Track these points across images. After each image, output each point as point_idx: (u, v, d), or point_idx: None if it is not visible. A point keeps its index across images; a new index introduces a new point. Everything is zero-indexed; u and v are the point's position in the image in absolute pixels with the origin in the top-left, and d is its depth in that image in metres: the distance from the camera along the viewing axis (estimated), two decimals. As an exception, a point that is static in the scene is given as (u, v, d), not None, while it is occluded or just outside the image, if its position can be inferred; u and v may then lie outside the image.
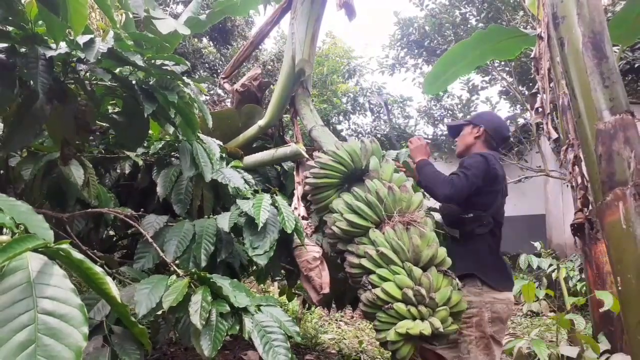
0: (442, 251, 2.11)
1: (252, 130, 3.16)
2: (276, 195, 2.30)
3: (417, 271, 1.98)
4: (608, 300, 1.98)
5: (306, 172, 2.44)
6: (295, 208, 2.56)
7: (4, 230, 1.00)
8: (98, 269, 0.94)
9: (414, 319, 1.90)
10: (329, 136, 2.65)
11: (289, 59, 2.86)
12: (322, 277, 2.24)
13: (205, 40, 10.66)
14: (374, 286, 2.00)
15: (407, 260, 2.02)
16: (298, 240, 2.23)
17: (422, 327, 1.85)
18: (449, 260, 2.11)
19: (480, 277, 2.23)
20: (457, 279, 2.09)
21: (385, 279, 1.99)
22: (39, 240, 0.89)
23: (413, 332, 1.84)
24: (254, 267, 2.98)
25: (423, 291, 1.92)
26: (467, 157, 2.39)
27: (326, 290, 2.22)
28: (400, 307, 1.92)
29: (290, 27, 2.93)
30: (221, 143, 2.56)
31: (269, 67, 10.81)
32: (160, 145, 2.54)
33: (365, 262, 2.05)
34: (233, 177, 2.30)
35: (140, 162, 2.50)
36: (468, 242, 2.32)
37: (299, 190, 2.64)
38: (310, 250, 2.29)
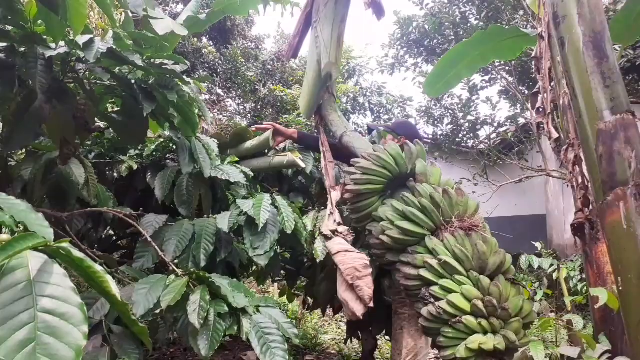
0: (509, 258, 1.95)
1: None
2: (275, 195, 2.30)
3: (484, 280, 1.82)
4: (603, 295, 1.97)
5: (345, 178, 2.28)
6: (331, 213, 2.43)
7: (4, 229, 0.99)
8: (98, 267, 0.94)
9: (486, 332, 1.74)
10: (363, 141, 2.52)
11: (314, 64, 2.73)
12: (371, 288, 2.04)
13: (205, 39, 10.65)
14: (437, 299, 1.83)
15: (472, 269, 1.86)
16: (338, 245, 2.13)
17: (495, 341, 1.69)
18: (513, 268, 1.96)
19: None
20: (525, 286, 1.96)
21: (449, 291, 1.82)
22: (39, 239, 0.89)
23: (486, 347, 1.67)
24: (254, 268, 2.98)
25: (494, 302, 1.76)
26: None
27: (372, 303, 2.02)
28: (470, 320, 1.75)
29: (314, 31, 2.81)
30: (216, 140, 2.56)
31: (269, 66, 10.80)
32: (153, 147, 2.53)
33: (424, 272, 1.88)
34: (232, 173, 2.29)
35: (135, 166, 2.50)
36: None
37: (333, 196, 2.50)
38: (358, 257, 2.10)
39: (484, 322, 1.76)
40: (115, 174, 2.62)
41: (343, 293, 2.10)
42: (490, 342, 1.69)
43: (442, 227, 1.97)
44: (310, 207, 2.92)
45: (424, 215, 1.97)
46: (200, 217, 2.26)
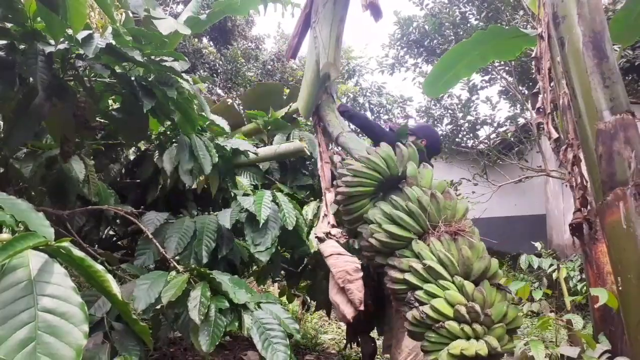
0: (495, 263, 1.95)
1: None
2: (277, 191, 2.31)
3: (469, 286, 1.82)
4: (603, 295, 1.97)
5: (337, 180, 2.29)
6: (325, 215, 2.42)
7: (4, 228, 0.99)
8: (99, 266, 0.94)
9: (468, 338, 1.74)
10: (358, 142, 2.52)
11: (313, 64, 2.73)
12: (362, 291, 2.04)
13: (205, 40, 10.65)
14: (421, 303, 1.84)
15: (457, 274, 1.86)
16: (331, 248, 2.13)
17: (477, 347, 1.68)
18: (500, 273, 1.96)
19: None
20: (510, 292, 1.94)
21: (433, 295, 1.82)
22: (40, 238, 0.89)
23: (468, 353, 1.67)
24: (255, 267, 2.99)
25: (477, 307, 1.75)
26: None
27: (362, 307, 2.03)
28: (453, 325, 1.75)
29: (312, 31, 2.80)
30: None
31: (269, 66, 10.81)
32: (160, 132, 2.57)
33: (410, 277, 1.88)
34: (241, 144, 2.38)
35: (143, 148, 2.52)
36: None
37: (328, 198, 2.50)
38: (350, 260, 2.11)
39: (466, 328, 1.75)
40: (122, 160, 2.64)
41: (334, 296, 2.11)
42: (472, 347, 1.69)
43: (429, 231, 1.97)
44: (312, 199, 2.92)
45: (410, 219, 1.98)
46: (203, 211, 2.28)
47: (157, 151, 2.48)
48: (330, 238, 2.28)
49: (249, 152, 2.52)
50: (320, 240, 2.27)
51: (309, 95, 2.81)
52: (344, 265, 2.10)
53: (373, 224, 2.06)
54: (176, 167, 2.30)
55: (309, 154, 2.76)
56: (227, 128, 2.45)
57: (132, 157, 2.66)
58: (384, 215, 2.04)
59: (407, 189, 2.05)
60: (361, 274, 2.10)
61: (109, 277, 0.93)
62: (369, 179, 2.13)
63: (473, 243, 1.93)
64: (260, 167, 3.09)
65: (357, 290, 2.04)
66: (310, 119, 2.93)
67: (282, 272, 3.18)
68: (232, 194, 2.48)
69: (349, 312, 2.03)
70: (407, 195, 2.03)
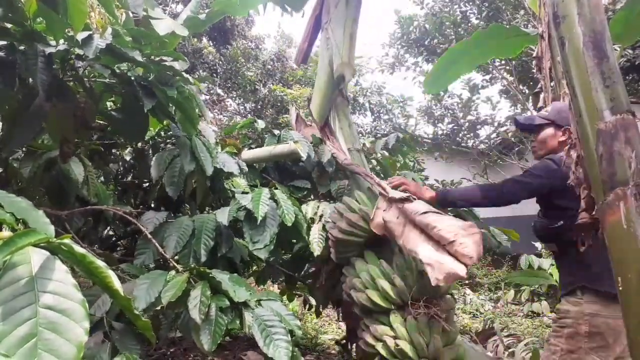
0: (462, 351, 2.02)
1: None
2: (277, 186, 2.30)
3: None
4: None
5: (330, 222, 2.28)
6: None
7: (4, 227, 0.99)
8: (101, 262, 0.94)
9: None
10: (362, 164, 2.49)
11: (326, 66, 2.65)
12: (481, 245, 1.68)
13: (205, 39, 10.65)
14: None
15: (425, 358, 1.93)
16: (426, 206, 1.86)
17: None
18: None
19: (582, 286, 1.95)
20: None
21: None
22: (41, 235, 0.89)
23: None
24: (255, 267, 2.98)
25: None
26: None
27: (476, 260, 1.64)
28: None
29: (324, 32, 2.73)
30: (216, 129, 2.58)
31: (269, 66, 10.81)
32: (154, 133, 2.57)
33: (381, 348, 1.96)
34: (227, 162, 2.33)
35: (139, 146, 2.52)
36: (567, 253, 2.04)
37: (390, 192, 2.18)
38: (461, 222, 1.76)
39: None
40: (119, 162, 2.64)
41: (429, 253, 1.71)
42: None
43: (408, 304, 2.01)
44: (310, 198, 2.91)
45: (393, 293, 2.02)
46: (197, 210, 2.27)
47: (151, 151, 2.49)
48: (412, 201, 1.98)
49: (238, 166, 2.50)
50: (407, 200, 1.98)
51: (322, 98, 2.70)
52: (453, 222, 1.76)
53: (357, 279, 2.13)
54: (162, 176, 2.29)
55: (304, 157, 2.72)
56: (212, 140, 2.44)
57: (127, 158, 2.66)
58: (370, 277, 2.10)
59: (398, 257, 2.09)
60: (479, 230, 1.72)
61: (111, 273, 0.93)
62: (363, 232, 2.18)
63: (448, 331, 2.00)
64: (257, 166, 3.09)
65: (475, 243, 1.65)
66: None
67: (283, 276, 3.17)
68: (231, 193, 2.48)
69: (460, 269, 1.61)
70: (397, 265, 2.09)
